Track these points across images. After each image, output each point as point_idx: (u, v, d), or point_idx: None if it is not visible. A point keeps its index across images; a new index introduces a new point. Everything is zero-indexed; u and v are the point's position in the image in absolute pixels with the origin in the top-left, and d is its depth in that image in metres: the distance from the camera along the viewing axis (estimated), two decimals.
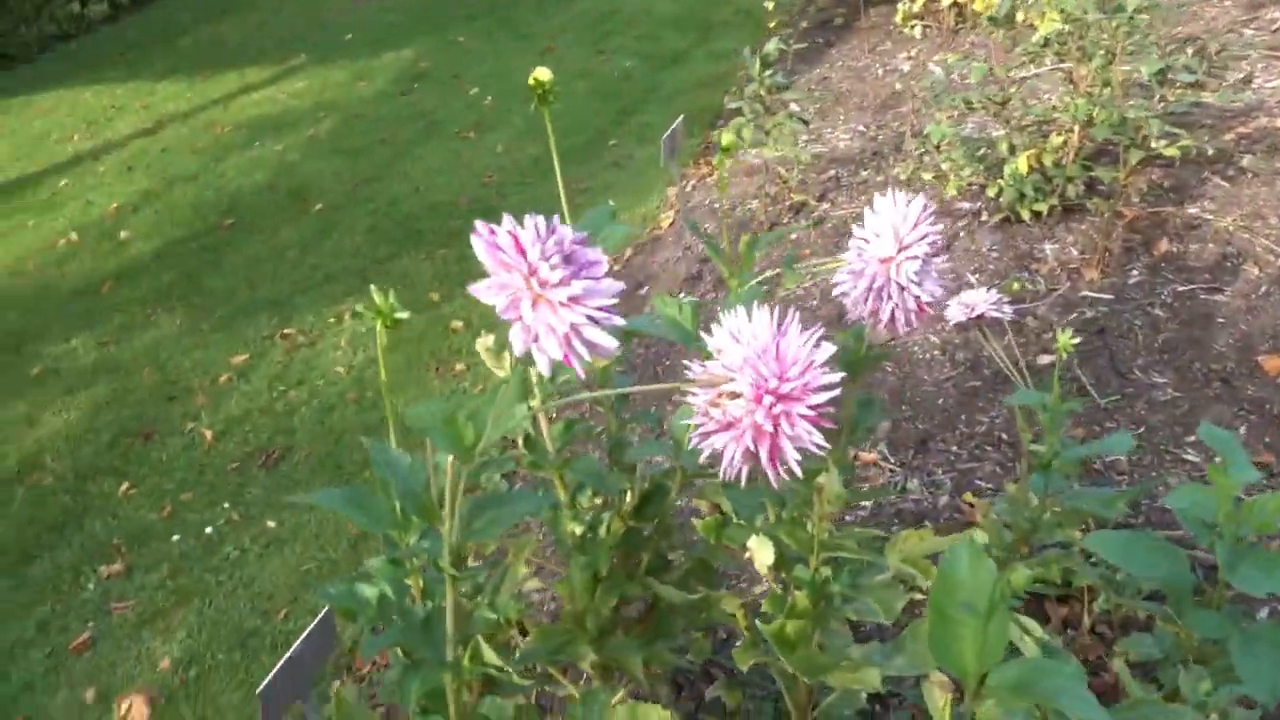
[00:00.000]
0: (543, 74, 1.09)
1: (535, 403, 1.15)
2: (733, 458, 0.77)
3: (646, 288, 2.90)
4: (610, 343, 0.62)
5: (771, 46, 2.53)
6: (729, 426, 0.78)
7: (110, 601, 2.19)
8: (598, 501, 1.19)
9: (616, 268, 3.11)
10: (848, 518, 1.87)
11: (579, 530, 1.15)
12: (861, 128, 3.41)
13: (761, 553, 1.07)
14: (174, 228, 4.23)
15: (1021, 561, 1.25)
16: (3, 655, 2.10)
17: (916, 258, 0.90)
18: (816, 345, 0.77)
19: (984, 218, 2.49)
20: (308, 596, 2.07)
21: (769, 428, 0.75)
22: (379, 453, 0.80)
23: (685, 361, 0.81)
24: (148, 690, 1.92)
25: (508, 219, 0.64)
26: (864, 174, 3.01)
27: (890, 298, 0.91)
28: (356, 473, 2.42)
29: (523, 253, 0.61)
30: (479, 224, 0.63)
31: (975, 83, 2.37)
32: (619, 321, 0.63)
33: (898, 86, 3.63)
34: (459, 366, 2.77)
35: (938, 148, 2.42)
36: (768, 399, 0.75)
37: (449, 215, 3.75)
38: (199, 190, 4.59)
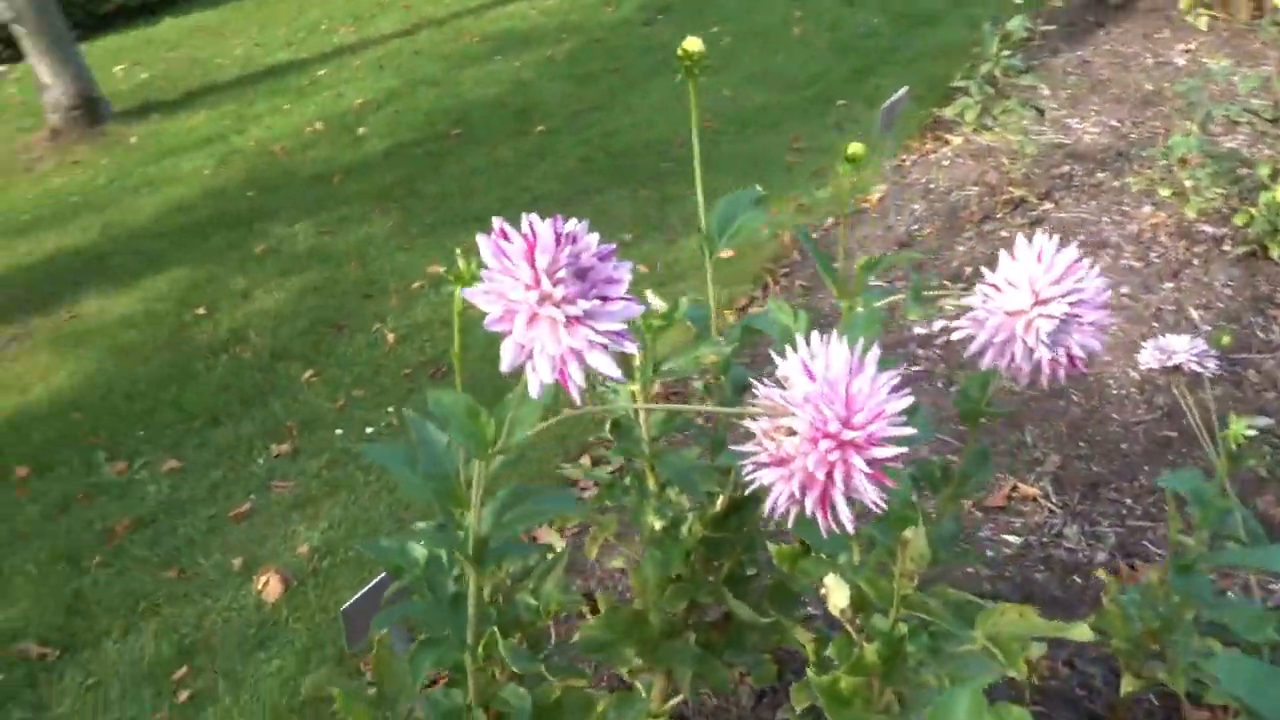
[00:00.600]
0: (692, 45, 1.01)
1: (634, 389, 1.11)
2: (779, 497, 0.70)
3: (839, 262, 2.77)
4: (613, 371, 0.57)
5: (1015, 24, 2.32)
6: (781, 463, 0.71)
7: (273, 479, 2.35)
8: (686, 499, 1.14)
9: (815, 235, 2.99)
10: (988, 552, 1.73)
11: (659, 525, 1.10)
12: (1114, 122, 3.09)
13: (837, 594, 1.00)
14: (407, 130, 4.41)
15: (1148, 660, 1.11)
16: (175, 509, 2.30)
17: (1053, 318, 0.78)
18: (895, 390, 0.69)
19: (1225, 248, 2.21)
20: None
21: (820, 475, 0.68)
22: (417, 428, 0.78)
23: (753, 380, 0.74)
24: (284, 571, 2.04)
25: (528, 220, 0.59)
26: (1101, 176, 2.74)
27: (1014, 358, 0.80)
28: None
29: (531, 261, 0.56)
30: (496, 222, 0.58)
31: (1244, 93, 2.08)
32: (629, 348, 0.57)
33: (1159, 84, 3.26)
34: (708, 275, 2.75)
35: (1182, 161, 2.15)
36: (824, 444, 0.68)
37: (660, 155, 3.71)
38: (437, 96, 4.76)
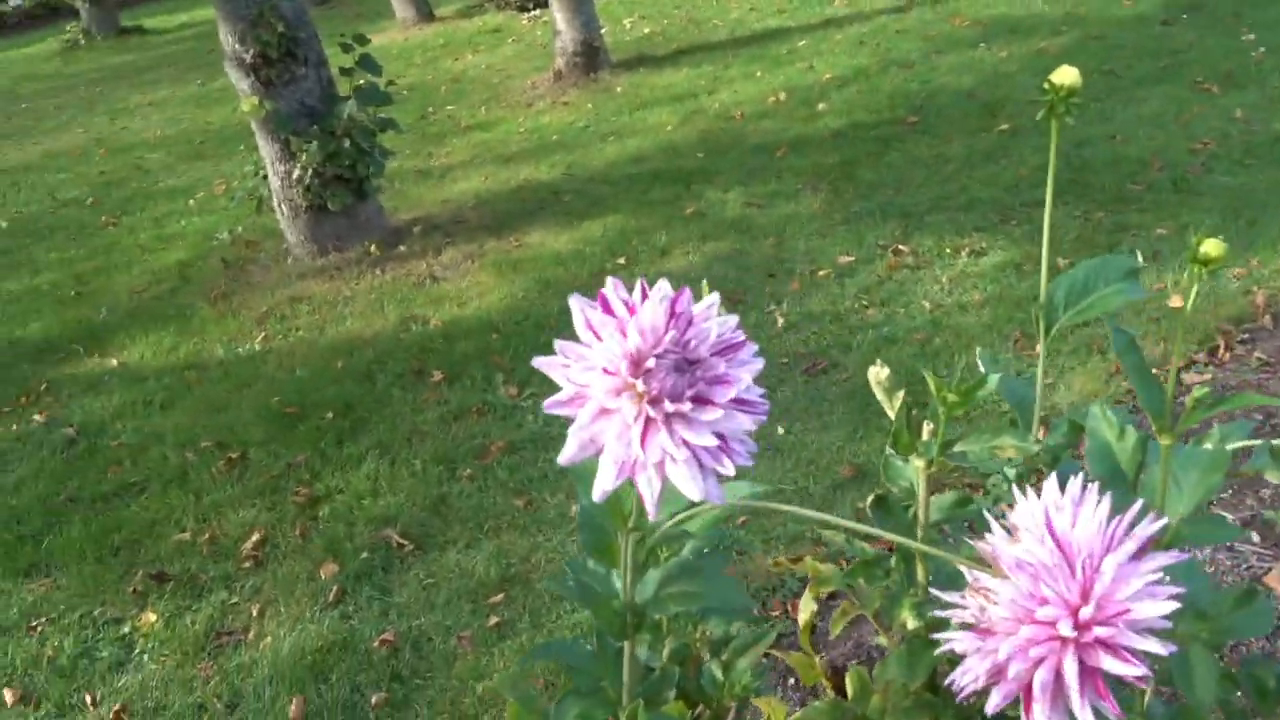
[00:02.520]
0: (1065, 76, 0.82)
1: (918, 462, 0.96)
2: (965, 673, 0.56)
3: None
4: (701, 491, 0.46)
5: None
6: (984, 634, 0.56)
7: None
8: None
9: (1262, 302, 2.46)
10: None
11: (912, 625, 0.95)
12: None
13: None
14: (864, 111, 4.30)
15: None
16: (542, 442, 2.45)
17: None
18: (1156, 583, 0.51)
19: None
20: (764, 521, 2.07)
21: (1015, 669, 0.53)
22: (582, 466, 0.71)
23: (989, 514, 0.60)
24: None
25: (641, 285, 0.49)
26: None
27: None
28: (877, 418, 2.31)
29: (624, 334, 0.46)
30: (609, 282, 0.49)
31: None
32: (727, 468, 0.46)
33: None
34: (1039, 349, 2.45)
35: None
36: (1028, 630, 0.53)
37: (1131, 176, 3.26)
38: (905, 80, 4.58)
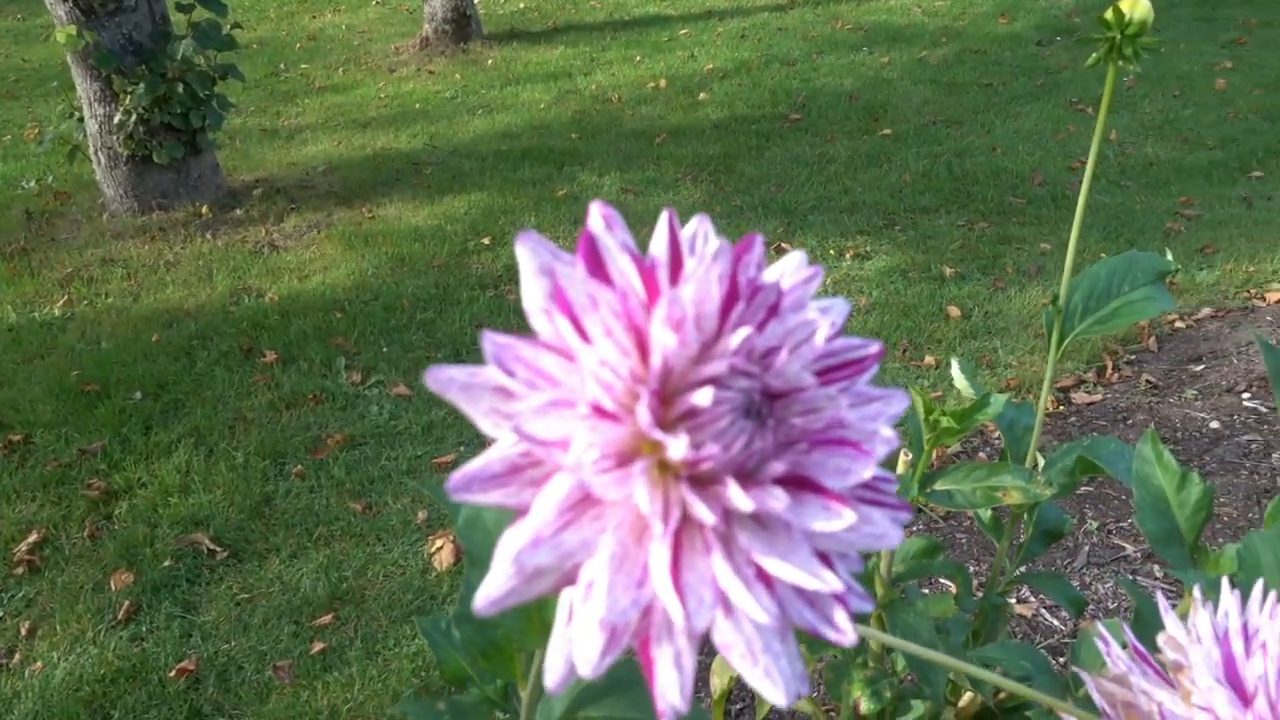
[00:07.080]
0: (1137, 6, 0.63)
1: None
2: None
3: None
4: (788, 687, 0.22)
5: None
6: None
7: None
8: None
9: (1179, 326, 2.42)
10: None
11: (866, 707, 0.74)
12: None
13: None
14: (746, 105, 4.15)
15: None
16: (387, 438, 2.17)
17: None
18: None
19: None
20: None
21: None
22: (465, 535, 0.47)
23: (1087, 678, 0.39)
24: (459, 544, 1.84)
25: (667, 217, 0.26)
26: None
27: None
28: None
29: (635, 338, 0.23)
30: (594, 207, 0.26)
31: None
32: (844, 634, 0.22)
33: None
34: (928, 359, 2.33)
35: None
36: None
37: (1011, 189, 3.21)
38: (787, 76, 4.46)
